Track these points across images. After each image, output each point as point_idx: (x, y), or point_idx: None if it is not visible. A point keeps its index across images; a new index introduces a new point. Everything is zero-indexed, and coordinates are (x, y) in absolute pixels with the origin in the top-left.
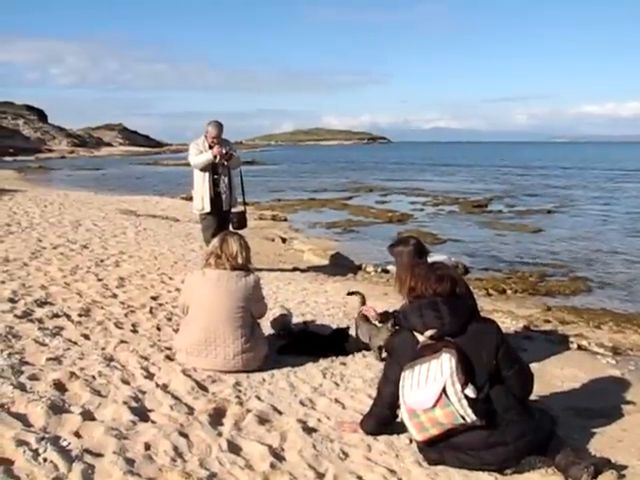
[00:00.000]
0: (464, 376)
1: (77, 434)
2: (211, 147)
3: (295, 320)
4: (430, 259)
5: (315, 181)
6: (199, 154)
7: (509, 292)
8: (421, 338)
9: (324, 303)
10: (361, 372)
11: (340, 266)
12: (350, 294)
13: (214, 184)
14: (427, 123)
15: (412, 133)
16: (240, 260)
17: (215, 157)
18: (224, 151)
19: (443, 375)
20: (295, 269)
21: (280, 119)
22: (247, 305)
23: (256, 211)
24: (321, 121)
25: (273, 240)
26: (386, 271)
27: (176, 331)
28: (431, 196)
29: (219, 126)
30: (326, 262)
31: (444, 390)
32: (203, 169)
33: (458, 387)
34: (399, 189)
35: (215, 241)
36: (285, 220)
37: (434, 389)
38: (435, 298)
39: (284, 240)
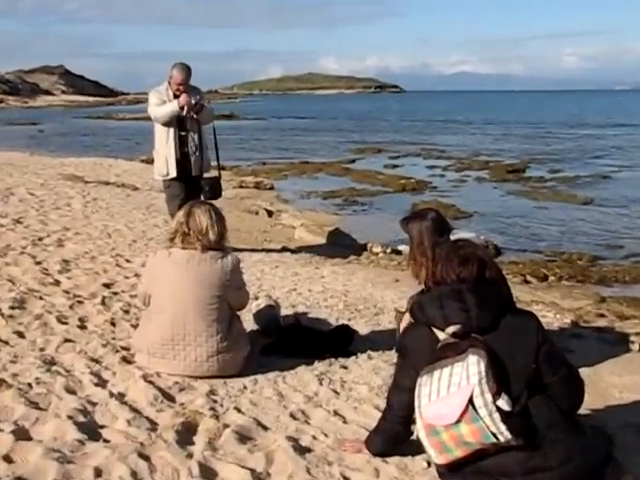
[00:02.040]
0: (496, 384)
1: (7, 458)
2: (176, 96)
3: (284, 313)
4: (453, 237)
5: (309, 140)
6: (161, 104)
7: (552, 279)
8: (441, 335)
9: (320, 292)
10: (367, 377)
11: (340, 246)
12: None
13: (180, 143)
14: (450, 67)
15: (431, 80)
16: (212, 237)
17: (182, 109)
18: (193, 101)
19: (470, 382)
20: (284, 249)
21: (265, 62)
22: (224, 294)
23: (235, 177)
24: (316, 65)
25: (256, 213)
26: (397, 252)
27: (135, 327)
28: (454, 159)
29: (186, 70)
30: (322, 241)
31: (471, 401)
32: (167, 124)
33: (488, 397)
34: (414, 150)
35: (180, 214)
36: (271, 188)
37: (458, 400)
38: (459, 285)
39: (270, 213)
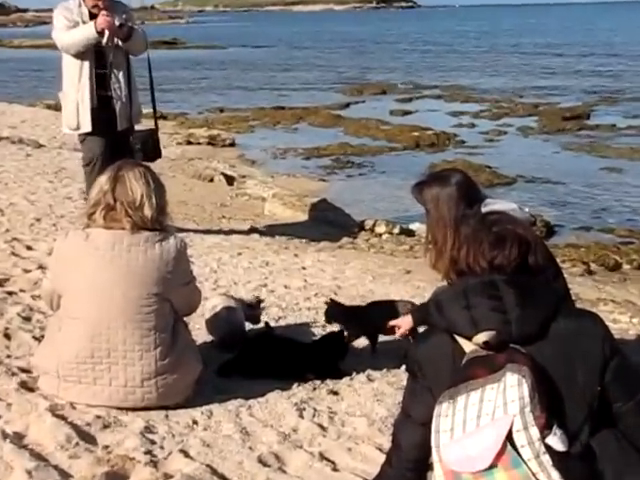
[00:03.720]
0: (545, 413)
1: None
2: (94, 16)
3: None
4: (485, 208)
5: (285, 77)
6: (72, 28)
7: (626, 268)
8: (468, 347)
9: (301, 288)
10: (365, 407)
11: (328, 224)
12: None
13: (99, 84)
14: None
15: None
16: (148, 212)
17: (101, 33)
18: (117, 22)
19: (508, 411)
20: (251, 230)
21: None
22: (164, 292)
23: (180, 130)
24: None
25: (211, 180)
26: (409, 232)
27: (39, 340)
28: (489, 101)
29: None
30: (304, 217)
31: (510, 438)
32: (79, 56)
33: (534, 433)
34: (432, 89)
35: (103, 180)
36: (232, 145)
37: (492, 436)
38: (492, 276)
39: (230, 180)
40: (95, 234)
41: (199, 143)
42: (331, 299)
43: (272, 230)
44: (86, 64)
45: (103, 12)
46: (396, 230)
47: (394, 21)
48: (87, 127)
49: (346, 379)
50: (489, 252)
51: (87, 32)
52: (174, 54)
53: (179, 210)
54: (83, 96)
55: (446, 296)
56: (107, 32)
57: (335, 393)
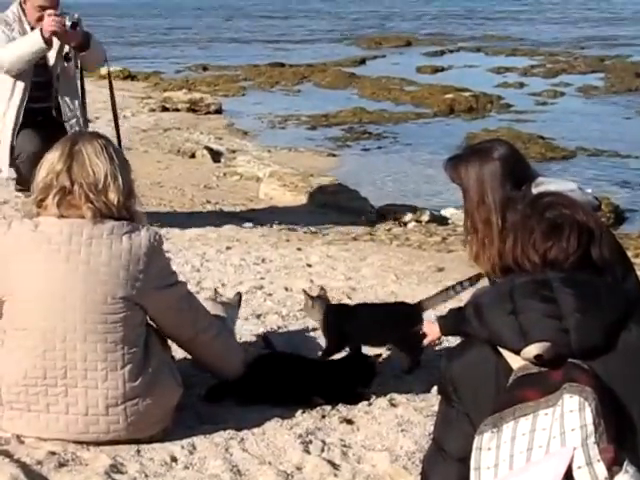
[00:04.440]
0: (613, 445)
1: None
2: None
3: (244, 328)
4: (537, 189)
5: (283, 26)
6: (9, 42)
7: None
8: (515, 362)
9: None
10: (387, 439)
11: (339, 210)
12: None
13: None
14: None
15: None
16: (114, 195)
17: (50, 41)
18: (68, 22)
19: (566, 443)
20: (243, 218)
21: None
22: (135, 296)
23: (154, 93)
24: None
25: (192, 156)
26: (441, 220)
27: None
28: (541, 54)
29: None
30: (309, 202)
31: (569, 477)
32: (19, 76)
33: (601, 470)
34: (469, 41)
35: (55, 157)
36: (219, 112)
37: (547, 475)
38: (545, 273)
39: (217, 155)
40: (46, 224)
41: (177, 109)
42: (304, 291)
43: (269, 218)
44: (19, 84)
45: (48, 11)
46: (425, 217)
47: None
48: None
49: (363, 404)
50: (541, 243)
51: (31, 43)
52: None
53: (152, 194)
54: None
55: (488, 299)
56: (60, 34)
57: (349, 422)
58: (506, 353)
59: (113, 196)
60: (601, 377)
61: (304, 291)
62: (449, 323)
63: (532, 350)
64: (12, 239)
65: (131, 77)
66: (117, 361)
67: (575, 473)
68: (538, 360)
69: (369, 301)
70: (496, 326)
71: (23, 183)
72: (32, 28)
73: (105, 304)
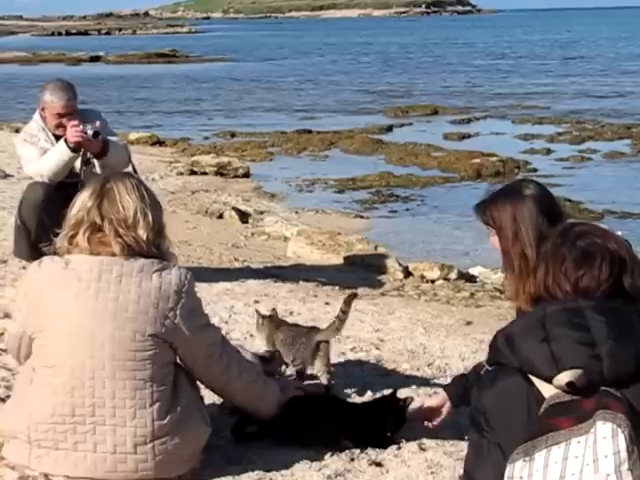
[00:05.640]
0: None
1: None
2: (58, 139)
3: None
4: None
5: (312, 95)
6: (42, 155)
7: None
8: (547, 390)
9: (333, 342)
10: None
11: (366, 268)
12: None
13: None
14: None
15: None
16: (144, 232)
17: (77, 148)
18: (90, 131)
19: (600, 470)
20: (271, 274)
21: None
22: (164, 333)
23: (181, 157)
24: None
25: (220, 216)
26: (469, 278)
27: (5, 399)
28: (567, 122)
29: (66, 88)
30: (337, 260)
31: None
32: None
33: None
34: (497, 109)
35: (86, 195)
36: (246, 176)
37: None
38: (577, 301)
39: (245, 216)
40: (77, 261)
41: (205, 173)
42: (256, 310)
43: (297, 275)
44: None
45: (71, 122)
46: (453, 275)
47: (448, 29)
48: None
49: (392, 448)
50: (573, 272)
51: (60, 154)
52: (173, 69)
53: (180, 252)
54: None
55: (519, 327)
56: (82, 145)
57: (378, 465)
58: (538, 382)
59: (142, 232)
60: (635, 405)
61: (256, 310)
62: (456, 392)
63: (564, 377)
64: (43, 277)
65: (159, 143)
66: (146, 399)
67: None
68: (570, 388)
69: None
70: (528, 354)
71: (25, 235)
72: (54, 135)
73: (134, 341)
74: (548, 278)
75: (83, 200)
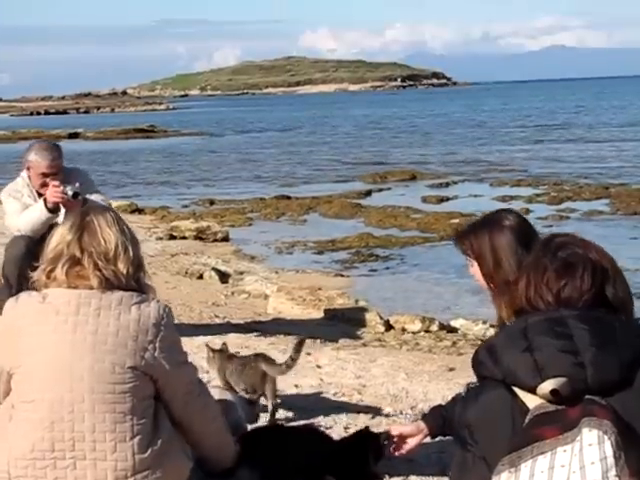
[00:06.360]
0: (636, 478)
1: None
2: (40, 194)
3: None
4: None
5: (290, 162)
6: (24, 209)
7: None
8: (531, 401)
9: (314, 388)
10: None
11: (348, 322)
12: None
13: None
14: (536, 38)
15: (503, 62)
16: (124, 266)
17: (55, 209)
18: (69, 192)
19: (587, 476)
20: (251, 329)
21: (211, 40)
22: (144, 366)
23: (160, 224)
24: (299, 43)
25: (200, 277)
26: (451, 329)
27: None
28: (545, 184)
29: (52, 150)
30: (317, 315)
31: None
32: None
33: None
34: (473, 173)
35: (65, 229)
36: (225, 240)
37: None
38: (559, 312)
39: (224, 277)
40: (54, 295)
41: (184, 237)
42: (207, 344)
43: (278, 328)
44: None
45: (52, 182)
46: (434, 327)
47: (424, 101)
48: None
49: None
50: (555, 282)
51: (37, 214)
52: (151, 143)
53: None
54: None
55: (501, 339)
56: (61, 203)
57: None
58: (521, 393)
59: (122, 266)
60: (620, 413)
61: (206, 345)
62: (435, 422)
63: (548, 386)
64: (20, 312)
65: (138, 210)
66: (126, 432)
67: None
68: (554, 396)
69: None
70: (511, 364)
71: (7, 290)
72: (37, 192)
73: (113, 374)
74: (530, 289)
75: (62, 234)
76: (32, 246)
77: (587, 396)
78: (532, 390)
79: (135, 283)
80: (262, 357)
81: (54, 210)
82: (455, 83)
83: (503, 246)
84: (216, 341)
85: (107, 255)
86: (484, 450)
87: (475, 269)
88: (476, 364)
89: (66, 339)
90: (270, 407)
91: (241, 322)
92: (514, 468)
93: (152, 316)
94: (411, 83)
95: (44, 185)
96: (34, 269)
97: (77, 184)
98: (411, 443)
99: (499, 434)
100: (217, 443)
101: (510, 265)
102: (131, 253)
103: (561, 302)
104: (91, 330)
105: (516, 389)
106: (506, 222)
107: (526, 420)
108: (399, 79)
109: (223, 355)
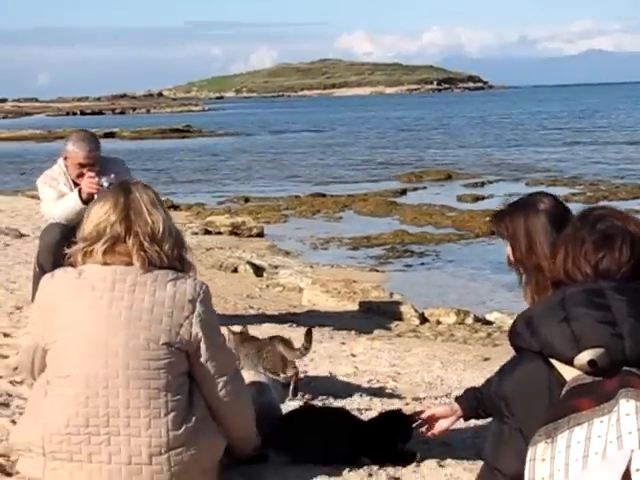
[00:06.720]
0: None
1: None
2: (76, 184)
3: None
4: None
5: (325, 163)
6: (59, 197)
7: None
8: (568, 372)
9: (349, 375)
10: None
11: (382, 314)
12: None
13: None
14: (574, 42)
15: (540, 67)
16: (169, 247)
17: (88, 201)
18: (105, 184)
19: (624, 446)
20: (286, 320)
21: (247, 43)
22: (179, 342)
23: (195, 220)
24: (335, 45)
25: (235, 270)
26: (487, 322)
27: (14, 422)
28: (582, 184)
29: (90, 140)
30: (352, 307)
31: (628, 479)
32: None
33: None
34: (508, 173)
35: (107, 205)
36: (260, 235)
37: (607, 476)
38: (597, 283)
39: (259, 270)
40: (90, 271)
41: (219, 232)
42: (227, 328)
43: (312, 320)
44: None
45: (88, 173)
46: (469, 320)
47: (459, 104)
48: None
49: (411, 464)
50: (593, 254)
51: (72, 203)
52: (187, 143)
53: None
54: None
55: (539, 310)
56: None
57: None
58: (559, 365)
59: (167, 247)
60: None
61: (227, 327)
62: (469, 404)
63: (585, 356)
64: (56, 288)
65: (174, 207)
66: (160, 408)
67: (634, 476)
68: (592, 367)
69: None
70: (548, 335)
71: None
72: (73, 182)
73: (148, 350)
74: (568, 261)
75: (105, 212)
76: (67, 233)
77: (625, 367)
78: (569, 361)
79: (179, 262)
80: (279, 339)
81: (88, 201)
82: (491, 87)
83: (538, 230)
84: (252, 331)
85: (154, 236)
86: (520, 422)
87: (509, 250)
88: (513, 335)
89: (101, 314)
90: (291, 389)
91: (275, 313)
92: (550, 439)
93: (188, 292)
94: (447, 86)
95: (80, 175)
96: (69, 258)
97: (112, 175)
98: (444, 424)
99: (536, 406)
100: (239, 437)
101: (544, 250)
102: (174, 234)
103: (599, 274)
104: (126, 306)
105: (553, 361)
106: (542, 205)
107: (563, 392)
108: (435, 82)
109: (240, 338)
